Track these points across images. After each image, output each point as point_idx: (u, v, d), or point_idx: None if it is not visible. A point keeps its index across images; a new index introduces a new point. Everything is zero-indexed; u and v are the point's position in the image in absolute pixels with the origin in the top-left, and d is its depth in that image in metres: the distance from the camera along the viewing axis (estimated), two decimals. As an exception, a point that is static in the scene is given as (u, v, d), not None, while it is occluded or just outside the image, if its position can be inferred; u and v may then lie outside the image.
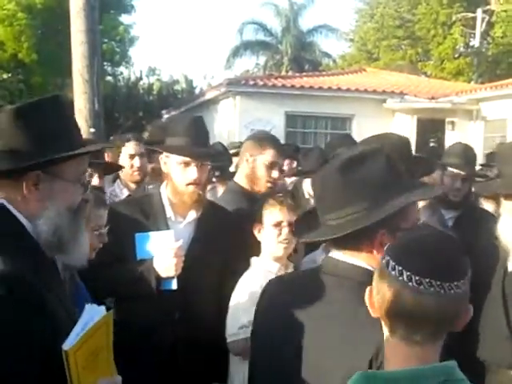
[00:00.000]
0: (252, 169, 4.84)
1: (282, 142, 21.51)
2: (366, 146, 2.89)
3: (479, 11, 38.62)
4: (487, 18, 39.02)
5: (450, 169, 5.58)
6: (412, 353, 1.94)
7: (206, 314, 4.09)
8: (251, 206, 4.65)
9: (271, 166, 4.83)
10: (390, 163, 2.54)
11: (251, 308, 3.93)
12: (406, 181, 2.60)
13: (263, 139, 4.98)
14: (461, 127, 24.19)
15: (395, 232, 2.38)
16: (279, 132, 23.02)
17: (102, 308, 2.64)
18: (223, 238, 4.21)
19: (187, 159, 4.10)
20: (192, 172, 4.09)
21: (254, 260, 4.24)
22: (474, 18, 39.14)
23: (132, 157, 6.09)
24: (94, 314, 2.58)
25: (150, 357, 4.04)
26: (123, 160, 6.09)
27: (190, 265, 4.00)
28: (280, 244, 4.15)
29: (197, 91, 38.96)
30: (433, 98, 24.62)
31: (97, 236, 3.71)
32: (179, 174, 4.13)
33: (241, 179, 4.92)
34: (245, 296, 4.04)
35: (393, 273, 1.92)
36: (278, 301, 2.72)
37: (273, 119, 23.07)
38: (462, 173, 5.51)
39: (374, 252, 2.42)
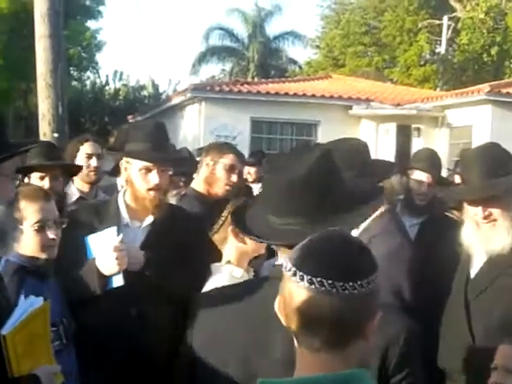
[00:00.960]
0: (212, 172, 4.93)
1: (247, 148, 21.80)
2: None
3: (445, 18, 38.95)
4: (453, 24, 39.35)
5: (416, 173, 5.60)
6: (316, 361, 1.86)
7: (162, 316, 4.03)
8: (207, 210, 4.69)
9: (231, 170, 4.94)
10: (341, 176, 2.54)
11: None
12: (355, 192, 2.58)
13: (224, 145, 5.13)
14: (426, 134, 24.30)
15: None
16: (245, 138, 23.09)
17: (40, 299, 2.70)
18: (182, 240, 4.16)
19: (148, 164, 4.08)
20: (153, 177, 4.08)
21: (217, 266, 4.17)
22: (440, 25, 39.47)
23: (89, 157, 5.99)
24: (31, 303, 2.65)
25: (110, 356, 3.98)
26: (80, 160, 5.98)
27: (146, 267, 3.96)
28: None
29: (163, 96, 38.93)
30: (398, 105, 24.75)
31: (48, 230, 3.64)
32: (140, 179, 4.10)
33: (198, 184, 5.01)
34: None
35: (288, 274, 1.87)
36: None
37: (238, 125, 23.08)
38: (429, 177, 5.53)
39: None
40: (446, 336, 4.03)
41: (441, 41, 39.44)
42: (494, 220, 3.86)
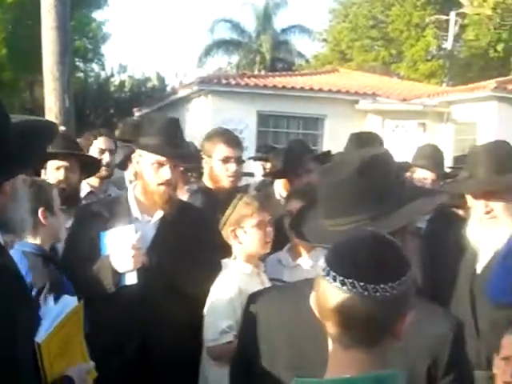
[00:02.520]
0: (210, 168, 4.89)
1: (254, 141, 21.76)
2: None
3: (452, 14, 38.83)
4: (460, 20, 39.24)
5: (419, 171, 5.61)
6: (348, 358, 1.91)
7: (176, 314, 4.02)
8: (218, 205, 4.69)
9: (226, 161, 4.90)
10: (397, 169, 2.52)
11: (230, 312, 3.94)
12: (409, 188, 2.57)
13: (213, 135, 5.13)
14: (432, 129, 24.26)
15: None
16: (251, 131, 23.05)
17: (74, 299, 2.67)
18: (192, 236, 4.18)
19: (162, 159, 4.10)
20: (165, 172, 4.10)
21: (226, 262, 4.22)
22: (447, 21, 39.34)
23: (102, 151, 6.02)
24: (65, 306, 2.62)
25: (119, 356, 4.01)
26: (92, 154, 5.97)
27: (157, 263, 3.98)
28: (267, 244, 4.20)
29: (169, 89, 38.84)
30: (404, 100, 24.70)
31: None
32: (152, 173, 4.12)
33: (206, 181, 4.96)
34: (222, 300, 4.03)
35: (327, 278, 1.90)
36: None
37: (245, 119, 23.01)
38: (432, 174, 5.54)
39: None
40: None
41: (447, 36, 39.32)
42: (496, 216, 3.90)
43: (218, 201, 4.84)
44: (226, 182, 4.91)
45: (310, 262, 4.46)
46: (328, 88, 24.33)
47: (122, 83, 39.43)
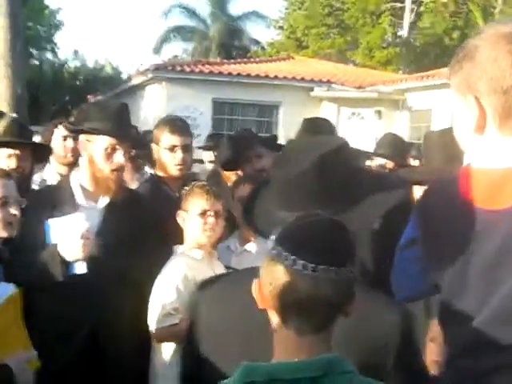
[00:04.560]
0: (158, 157, 4.84)
1: (209, 129, 21.69)
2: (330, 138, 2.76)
3: (408, 1, 39.08)
4: (416, 8, 39.51)
5: (378, 160, 5.59)
6: (303, 344, 1.91)
7: (125, 301, 3.98)
8: (167, 193, 4.74)
9: (172, 149, 4.82)
10: (358, 163, 2.47)
11: (175, 296, 3.92)
12: (370, 182, 2.52)
13: (160, 123, 5.05)
14: (387, 117, 24.39)
15: None
16: (206, 119, 23.00)
17: (10, 287, 2.61)
18: (140, 223, 4.13)
19: (114, 142, 4.02)
20: (118, 156, 4.03)
21: (176, 248, 4.19)
22: (403, 8, 39.58)
23: (65, 138, 5.96)
24: (1, 293, 2.56)
25: (69, 345, 3.92)
26: (56, 142, 5.97)
27: (105, 251, 3.89)
28: (205, 232, 4.11)
29: (124, 76, 38.69)
30: (360, 87, 24.79)
31: (9, 207, 3.60)
32: (104, 158, 4.04)
33: (157, 169, 4.92)
34: (168, 284, 4.00)
35: (286, 262, 1.87)
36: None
37: (200, 106, 22.94)
38: (390, 163, 5.52)
39: None
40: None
41: (403, 24, 39.56)
42: None
43: (165, 189, 4.79)
44: (173, 171, 4.83)
45: (257, 248, 4.46)
46: (283, 75, 24.32)
47: (77, 71, 39.16)
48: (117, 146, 4.03)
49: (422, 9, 39.54)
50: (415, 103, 23.96)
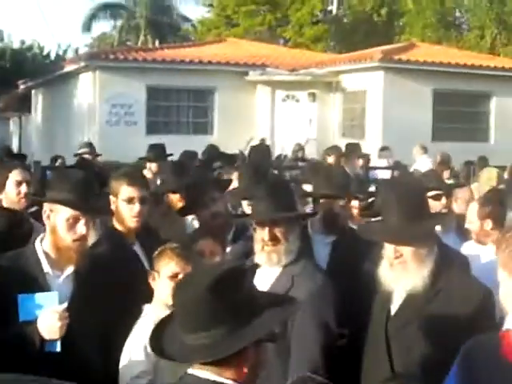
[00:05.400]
0: (116, 209, 4.84)
1: (144, 116, 21.68)
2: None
3: (337, -23, 39.23)
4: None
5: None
6: None
7: (99, 364, 4.04)
8: (127, 247, 4.82)
9: (130, 201, 4.84)
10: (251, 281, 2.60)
11: (143, 358, 3.96)
12: (262, 298, 2.66)
13: (119, 175, 5.05)
14: (321, 99, 24.55)
15: (260, 344, 2.56)
16: (141, 106, 22.88)
17: None
18: (105, 290, 4.14)
19: (77, 213, 4.01)
20: (81, 228, 4.03)
21: (146, 308, 4.23)
22: (333, -15, 39.72)
23: (19, 183, 5.94)
24: None
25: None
26: (10, 187, 5.94)
27: (71, 321, 3.90)
28: None
29: (52, 56, 38.00)
30: (294, 70, 24.83)
31: None
32: (66, 229, 4.03)
33: (114, 221, 4.91)
34: (138, 345, 4.03)
35: None
36: None
37: (134, 93, 22.80)
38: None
39: (243, 368, 2.53)
40: (368, 371, 4.15)
41: (333, 1, 39.69)
42: (405, 261, 3.97)
43: (125, 244, 4.82)
44: (130, 222, 4.83)
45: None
46: (217, 60, 24.22)
47: (3, 51, 38.24)
48: (79, 217, 4.03)
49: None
50: (349, 85, 24.16)
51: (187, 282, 2.63)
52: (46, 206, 4.11)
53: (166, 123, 23.99)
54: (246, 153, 12.83)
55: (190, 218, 6.21)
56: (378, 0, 38.54)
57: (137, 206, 4.83)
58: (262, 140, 19.84)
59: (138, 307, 4.24)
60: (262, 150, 12.44)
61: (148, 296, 4.30)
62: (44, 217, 4.14)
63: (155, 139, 14.04)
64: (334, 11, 39.81)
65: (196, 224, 6.12)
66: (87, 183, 4.19)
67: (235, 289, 2.52)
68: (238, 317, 2.50)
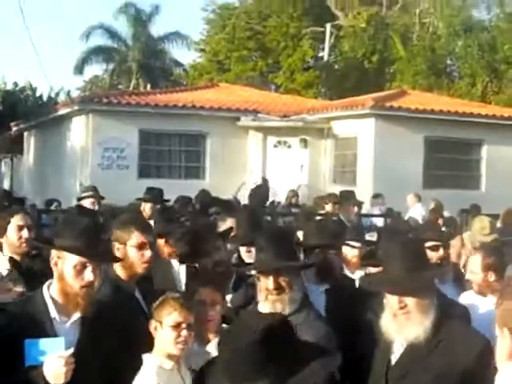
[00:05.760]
0: (124, 256, 4.87)
1: (136, 159, 21.71)
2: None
3: (328, 25, 39.60)
4: (336, 32, 40.08)
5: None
6: None
7: None
8: (131, 295, 4.83)
9: (141, 247, 4.88)
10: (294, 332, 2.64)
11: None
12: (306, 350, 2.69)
13: (126, 222, 5.07)
14: (313, 145, 24.70)
15: None
16: (133, 150, 22.95)
17: None
18: (110, 337, 4.16)
19: (85, 260, 4.05)
20: (88, 274, 4.05)
21: (146, 357, 4.22)
22: (324, 32, 40.10)
23: (21, 228, 5.97)
24: None
25: None
26: (11, 232, 5.97)
27: (76, 366, 3.92)
28: (178, 345, 4.16)
29: (44, 98, 38.02)
30: (285, 116, 25.01)
31: None
32: (74, 275, 4.06)
33: (118, 268, 4.92)
34: None
35: None
36: None
37: (127, 137, 22.93)
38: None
39: None
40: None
41: (324, 47, 40.09)
42: (409, 311, 4.01)
43: (128, 291, 4.87)
44: (140, 269, 4.88)
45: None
46: (209, 105, 24.40)
47: (-4, 92, 38.23)
48: (87, 264, 4.06)
49: (341, 33, 40.16)
50: (340, 131, 24.34)
51: (236, 334, 2.64)
52: (54, 253, 4.15)
53: (158, 167, 24.07)
54: (241, 196, 12.87)
55: (176, 264, 6.23)
56: (369, 47, 38.88)
57: (148, 252, 4.89)
58: (265, 180, 19.91)
59: (140, 354, 4.25)
60: (260, 194, 12.48)
61: (148, 344, 4.30)
62: (52, 263, 4.18)
63: (147, 183, 14.05)
64: (326, 58, 40.19)
65: (183, 271, 6.17)
66: (94, 230, 4.24)
67: (283, 341, 2.55)
68: (283, 369, 2.52)
